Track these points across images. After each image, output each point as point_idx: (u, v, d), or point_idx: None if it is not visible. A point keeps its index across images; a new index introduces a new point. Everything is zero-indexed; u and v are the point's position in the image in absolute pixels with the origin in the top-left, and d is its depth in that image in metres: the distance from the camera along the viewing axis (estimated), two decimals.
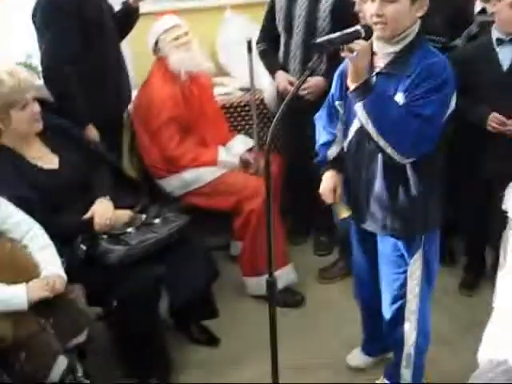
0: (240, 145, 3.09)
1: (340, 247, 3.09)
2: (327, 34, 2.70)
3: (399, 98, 1.78)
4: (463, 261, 3.04)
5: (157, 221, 2.39)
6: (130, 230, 2.31)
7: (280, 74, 2.97)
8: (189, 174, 2.90)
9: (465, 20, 2.71)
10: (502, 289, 1.97)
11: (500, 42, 2.47)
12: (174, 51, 2.85)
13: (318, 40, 1.61)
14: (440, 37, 2.63)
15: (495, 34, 2.49)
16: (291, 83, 2.89)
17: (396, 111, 1.74)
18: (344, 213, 2.05)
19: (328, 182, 2.04)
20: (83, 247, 2.21)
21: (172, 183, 2.95)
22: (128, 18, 2.91)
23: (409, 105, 1.74)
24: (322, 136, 2.09)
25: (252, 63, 2.89)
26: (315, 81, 2.83)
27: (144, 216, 2.41)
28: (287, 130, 2.98)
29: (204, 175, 2.91)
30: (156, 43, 2.89)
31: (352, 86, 1.75)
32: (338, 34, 1.65)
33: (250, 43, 2.85)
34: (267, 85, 3.23)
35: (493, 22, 2.53)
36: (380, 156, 1.85)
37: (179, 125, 2.89)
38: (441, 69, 1.76)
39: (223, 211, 2.92)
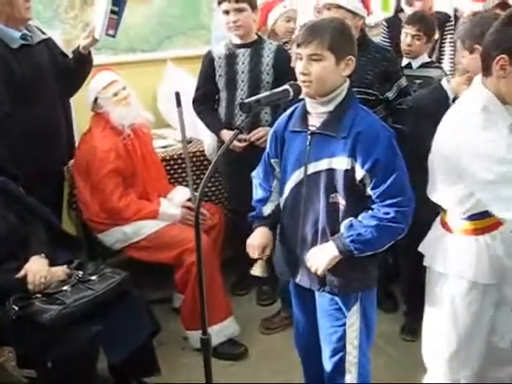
0: (180, 195, 3.10)
1: (281, 297, 3.10)
2: (270, 86, 2.87)
3: (343, 163, 1.83)
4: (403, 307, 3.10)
5: (94, 277, 2.35)
6: (65, 288, 2.26)
7: (225, 133, 3.00)
8: (129, 227, 2.88)
9: (394, 74, 2.85)
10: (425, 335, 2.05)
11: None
12: (114, 107, 2.87)
13: (246, 100, 1.66)
14: (373, 90, 2.75)
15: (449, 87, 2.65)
16: (239, 140, 2.91)
17: (375, 227, 1.82)
18: (259, 271, 2.08)
19: (258, 237, 2.05)
20: (15, 307, 2.14)
21: (112, 237, 2.91)
22: (80, 65, 2.90)
23: (379, 199, 1.83)
24: (257, 192, 2.12)
25: (182, 116, 2.92)
26: (264, 131, 2.89)
27: (81, 273, 2.37)
28: (229, 182, 3.01)
29: (144, 228, 2.89)
30: (95, 100, 2.90)
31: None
32: (266, 93, 1.71)
33: (178, 96, 2.88)
34: (207, 136, 3.27)
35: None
36: (317, 214, 1.91)
37: (121, 177, 2.88)
38: (384, 135, 1.83)
39: (165, 264, 2.90)
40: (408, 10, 3.78)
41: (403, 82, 2.87)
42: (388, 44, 3.65)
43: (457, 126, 1.80)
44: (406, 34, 3.15)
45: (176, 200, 3.06)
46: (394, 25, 3.73)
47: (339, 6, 2.70)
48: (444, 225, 1.97)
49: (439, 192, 1.89)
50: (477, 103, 1.76)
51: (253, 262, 2.10)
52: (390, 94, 2.82)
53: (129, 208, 2.86)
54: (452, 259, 1.91)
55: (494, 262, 1.87)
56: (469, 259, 1.88)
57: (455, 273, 1.90)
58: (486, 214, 1.82)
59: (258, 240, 2.04)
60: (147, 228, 2.88)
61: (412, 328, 2.95)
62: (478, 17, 2.51)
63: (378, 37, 3.76)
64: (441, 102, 2.57)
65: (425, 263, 2.03)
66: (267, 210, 2.09)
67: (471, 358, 1.96)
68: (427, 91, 2.80)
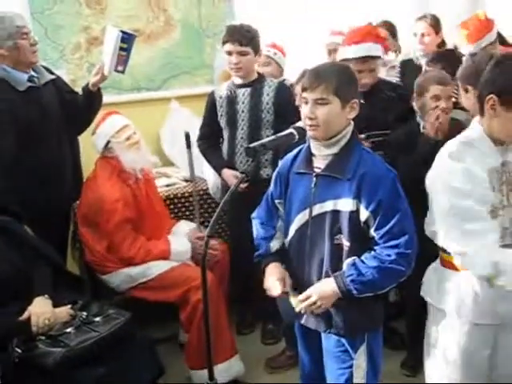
0: (186, 226, 3.11)
1: (285, 336, 3.07)
2: (271, 125, 2.91)
3: (348, 204, 1.84)
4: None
5: (98, 319, 2.33)
6: (69, 330, 2.24)
7: (226, 171, 3.02)
8: (136, 269, 2.86)
9: (408, 115, 2.86)
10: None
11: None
12: (126, 152, 2.88)
13: (252, 144, 1.68)
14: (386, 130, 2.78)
15: (422, 123, 2.68)
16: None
17: (376, 269, 1.82)
18: (294, 303, 1.99)
19: (273, 273, 2.01)
20: (18, 350, 2.12)
21: (117, 279, 2.89)
22: (90, 102, 2.93)
23: (382, 240, 1.83)
24: (261, 231, 2.11)
25: (191, 157, 2.94)
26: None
27: (85, 314, 2.36)
28: (234, 220, 3.02)
29: (151, 269, 2.87)
30: (105, 144, 2.90)
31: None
32: (271, 137, 1.73)
33: (188, 137, 2.92)
34: (211, 175, 3.29)
35: None
36: (322, 255, 1.91)
37: (130, 224, 2.87)
38: (388, 176, 1.85)
39: (170, 303, 2.88)
40: (419, 48, 3.75)
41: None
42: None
43: (436, 158, 1.86)
44: None
45: (181, 230, 3.06)
46: (407, 67, 3.71)
47: (376, 57, 2.79)
48: (442, 260, 1.97)
49: (434, 229, 1.90)
50: (461, 135, 1.83)
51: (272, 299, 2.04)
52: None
53: (139, 253, 2.85)
54: (445, 294, 1.92)
55: (482, 301, 1.86)
56: (468, 298, 1.87)
57: (454, 311, 1.90)
58: None
59: (275, 276, 1.99)
60: (154, 269, 2.87)
61: (412, 363, 2.92)
62: (471, 57, 2.57)
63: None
64: (412, 135, 2.65)
65: (422, 294, 2.04)
66: (274, 246, 2.08)
67: None
68: (403, 127, 2.83)
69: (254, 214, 2.17)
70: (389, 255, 1.82)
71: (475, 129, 1.84)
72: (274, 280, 1.97)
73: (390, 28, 3.86)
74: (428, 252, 1.98)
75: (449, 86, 2.64)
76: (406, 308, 3.05)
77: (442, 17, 3.82)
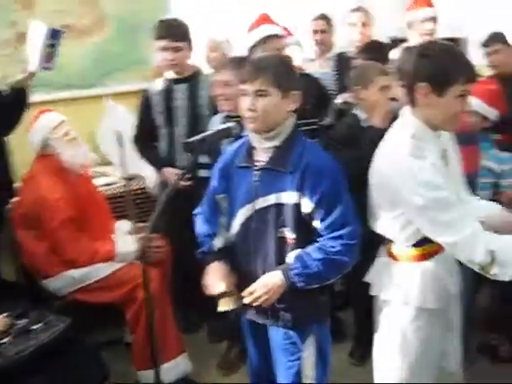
0: (125, 226, 3.03)
1: (231, 334, 3.04)
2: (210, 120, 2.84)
3: (292, 197, 1.83)
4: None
5: (37, 326, 2.25)
6: (5, 340, 2.15)
7: (166, 170, 2.97)
8: (78, 272, 2.76)
9: (326, 100, 2.95)
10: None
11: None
12: (66, 147, 2.78)
13: (189, 140, 1.65)
14: (312, 119, 2.78)
15: (362, 115, 2.72)
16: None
17: (321, 261, 1.82)
18: (228, 305, 1.98)
19: (215, 271, 1.99)
20: None
21: (58, 282, 2.78)
22: (17, 101, 2.77)
23: (326, 232, 1.83)
24: (205, 228, 2.08)
25: (124, 156, 2.82)
26: None
27: (23, 322, 2.26)
28: (174, 217, 2.96)
29: (96, 271, 2.77)
30: (42, 142, 2.79)
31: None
32: (209, 132, 1.70)
33: (120, 136, 2.78)
34: (149, 173, 3.23)
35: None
36: (267, 249, 1.90)
37: (73, 225, 2.76)
38: (331, 167, 1.85)
39: (114, 303, 2.80)
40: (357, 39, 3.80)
41: (337, 105, 2.99)
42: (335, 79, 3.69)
43: (388, 153, 1.86)
44: None
45: (122, 230, 2.99)
46: (343, 59, 3.76)
47: (279, 36, 2.81)
48: (389, 253, 1.99)
49: (381, 222, 1.92)
50: (406, 131, 1.82)
51: (217, 298, 2.00)
52: (328, 120, 2.89)
53: (84, 255, 2.75)
54: (397, 286, 1.93)
55: (439, 287, 1.90)
56: (414, 285, 1.90)
57: (401, 300, 1.93)
58: (429, 239, 1.85)
59: (216, 274, 1.97)
60: (99, 270, 2.77)
61: (360, 353, 2.96)
62: (405, 50, 2.64)
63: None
64: (353, 127, 2.69)
65: (371, 293, 2.05)
66: (218, 244, 2.05)
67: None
68: (343, 120, 2.89)
69: (196, 211, 2.13)
70: (333, 247, 1.83)
71: (410, 120, 1.85)
72: (214, 278, 1.96)
73: (328, 21, 3.89)
74: (372, 242, 2.00)
75: (391, 75, 2.69)
76: (352, 298, 3.10)
77: (374, 9, 3.90)
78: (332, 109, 3.03)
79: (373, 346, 2.07)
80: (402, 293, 1.92)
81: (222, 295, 1.97)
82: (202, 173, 2.73)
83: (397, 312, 1.95)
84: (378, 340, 2.05)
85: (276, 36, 2.89)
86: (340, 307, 3.29)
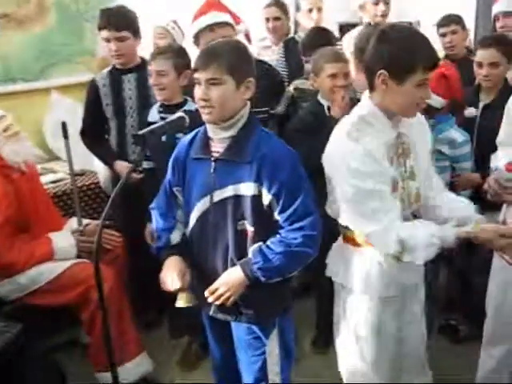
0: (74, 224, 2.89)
1: (191, 329, 2.98)
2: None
3: (250, 188, 1.78)
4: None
5: None
6: None
7: (119, 163, 2.87)
8: (24, 277, 2.61)
9: (278, 86, 2.90)
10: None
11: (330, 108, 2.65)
12: (5, 143, 2.61)
13: (140, 132, 1.57)
14: (264, 108, 2.74)
15: (325, 103, 2.68)
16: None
17: (283, 253, 1.79)
18: (184, 302, 1.96)
19: (172, 266, 1.94)
20: None
21: (3, 289, 2.62)
22: None
23: (286, 223, 1.79)
24: (161, 222, 2.02)
25: (69, 149, 2.71)
26: None
27: None
28: (127, 211, 2.87)
29: (43, 274, 2.63)
30: None
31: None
32: (161, 123, 1.63)
33: (64, 127, 2.66)
34: (101, 167, 3.12)
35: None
36: (226, 242, 1.85)
37: (14, 226, 2.62)
38: (289, 157, 1.80)
39: (68, 305, 2.69)
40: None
41: (290, 92, 2.90)
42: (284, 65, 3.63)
43: (333, 135, 1.84)
44: None
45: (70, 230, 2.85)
46: (289, 45, 3.68)
47: (226, 23, 2.70)
48: (344, 238, 1.98)
49: (335, 207, 1.90)
50: (355, 114, 1.81)
51: (173, 294, 1.97)
52: (279, 108, 2.82)
53: (20, 257, 2.59)
54: (350, 272, 1.93)
55: (387, 274, 1.89)
56: (363, 272, 1.89)
57: (356, 286, 1.92)
58: None
59: (173, 270, 1.92)
60: (47, 273, 2.63)
61: (323, 341, 2.96)
62: (358, 32, 2.61)
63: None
64: (317, 116, 2.64)
65: (327, 274, 2.05)
66: (175, 238, 2.00)
67: (383, 369, 1.99)
68: (305, 108, 2.83)
69: (152, 205, 2.06)
70: (295, 238, 1.79)
71: (367, 104, 1.82)
72: (171, 274, 1.90)
73: (282, 7, 3.83)
74: (332, 230, 1.98)
75: (343, 62, 2.64)
76: (313, 284, 3.08)
77: None
78: (285, 97, 2.97)
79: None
80: (361, 280, 1.91)
81: (180, 291, 1.93)
82: (146, 164, 2.66)
83: (356, 299, 1.94)
84: (339, 328, 2.03)
85: (225, 23, 2.78)
86: (300, 295, 3.27)
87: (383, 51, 1.71)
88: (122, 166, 2.86)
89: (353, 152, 1.72)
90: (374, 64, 1.74)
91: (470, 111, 2.78)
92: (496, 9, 3.02)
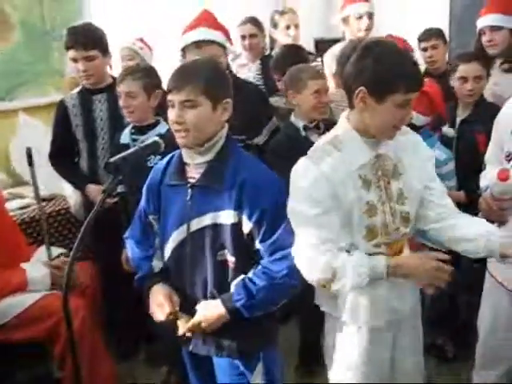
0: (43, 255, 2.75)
1: (170, 358, 2.85)
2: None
3: (230, 216, 1.68)
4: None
5: None
6: None
7: (90, 187, 2.75)
8: None
9: (265, 116, 2.70)
10: None
11: (307, 128, 2.55)
12: None
13: (111, 159, 1.46)
14: (241, 136, 2.56)
15: (300, 123, 2.56)
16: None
17: (267, 287, 1.69)
18: (186, 324, 1.78)
19: (159, 295, 1.81)
20: None
21: None
22: None
23: (268, 253, 1.70)
24: (138, 252, 1.91)
25: (35, 176, 2.58)
26: None
27: None
28: (101, 240, 2.74)
29: (11, 307, 2.47)
30: None
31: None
32: (134, 148, 1.52)
33: (29, 153, 2.52)
34: (71, 192, 3.00)
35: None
36: (205, 274, 1.75)
37: None
38: (270, 182, 1.71)
39: (38, 340, 2.53)
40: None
41: (274, 123, 2.73)
42: (261, 83, 3.53)
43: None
44: None
45: (43, 256, 2.71)
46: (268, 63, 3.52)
47: (213, 42, 2.55)
48: None
49: None
50: (329, 134, 1.72)
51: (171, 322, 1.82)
52: (260, 140, 2.67)
53: None
54: (342, 302, 1.81)
55: (382, 302, 1.79)
56: (350, 300, 1.79)
57: (341, 315, 1.82)
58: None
59: (160, 296, 1.79)
60: (15, 306, 2.48)
61: (306, 368, 2.87)
62: (341, 48, 2.53)
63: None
64: (294, 139, 2.53)
65: (316, 302, 1.94)
66: (157, 265, 1.89)
67: None
68: (281, 132, 2.70)
69: (126, 234, 1.95)
70: (279, 270, 1.69)
71: (342, 124, 1.72)
72: (159, 303, 1.79)
73: (258, 24, 3.76)
74: None
75: (324, 79, 2.57)
76: (296, 312, 2.97)
77: (299, 9, 3.82)
78: (268, 127, 2.76)
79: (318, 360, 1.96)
80: (350, 309, 1.80)
81: (173, 316, 1.79)
82: (119, 188, 2.52)
83: (347, 329, 1.84)
84: (330, 359, 1.93)
85: (212, 42, 2.59)
86: (283, 320, 3.16)
87: (364, 67, 1.61)
88: (93, 190, 2.73)
89: (308, 174, 1.63)
90: (354, 80, 1.63)
91: (448, 131, 2.74)
92: (482, 23, 2.95)
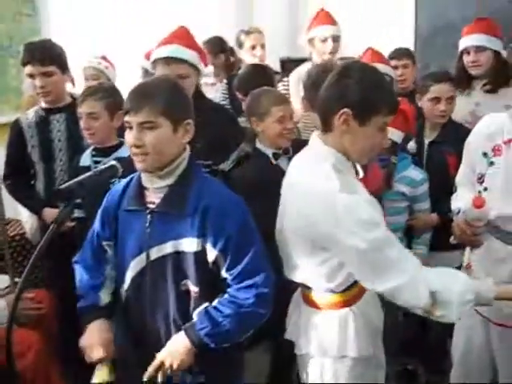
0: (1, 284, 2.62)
1: None
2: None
3: (193, 244, 1.58)
4: None
5: None
6: None
7: (47, 211, 2.61)
8: None
9: (232, 140, 2.53)
10: None
11: (277, 155, 2.40)
12: None
13: (63, 186, 1.35)
14: (207, 161, 2.39)
15: (269, 151, 2.40)
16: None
17: (234, 316, 1.59)
18: (103, 376, 1.69)
19: (97, 332, 1.69)
20: None
21: None
22: None
23: (235, 281, 1.60)
24: (86, 278, 1.78)
25: None
26: None
27: None
28: (57, 266, 2.59)
29: None
30: None
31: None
32: (88, 174, 1.42)
33: None
34: (27, 216, 2.87)
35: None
36: (167, 305, 1.64)
37: None
38: (236, 207, 1.62)
39: None
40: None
41: (245, 148, 2.48)
42: (228, 103, 3.45)
43: (308, 191, 1.61)
44: None
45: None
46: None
47: (183, 61, 2.42)
48: (304, 299, 1.78)
49: (301, 270, 1.70)
50: (324, 163, 1.60)
51: (92, 365, 1.72)
52: (225, 166, 2.46)
53: None
54: (318, 337, 1.73)
55: (362, 332, 1.71)
56: (347, 335, 1.70)
57: (319, 350, 1.73)
58: (354, 283, 1.67)
59: (98, 336, 1.68)
60: None
61: None
62: (308, 69, 2.47)
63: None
64: (263, 169, 2.38)
65: (287, 336, 1.84)
66: (105, 298, 1.77)
67: None
68: (250, 161, 2.48)
69: (76, 258, 1.83)
70: (247, 298, 1.59)
71: (325, 150, 1.62)
72: (95, 342, 1.67)
73: (221, 43, 3.69)
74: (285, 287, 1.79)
75: (288, 103, 2.45)
76: (265, 338, 2.86)
77: (265, 28, 3.77)
78: (236, 154, 2.50)
79: None
80: (325, 344, 1.71)
81: (101, 362, 1.68)
82: (77, 213, 2.42)
83: (324, 364, 1.74)
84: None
85: (183, 61, 2.43)
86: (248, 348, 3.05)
87: (346, 88, 1.55)
88: (50, 214, 2.60)
89: (358, 205, 1.53)
90: (334, 102, 1.57)
91: (411, 146, 2.72)
92: (466, 43, 2.92)
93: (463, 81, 2.92)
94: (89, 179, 1.40)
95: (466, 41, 2.93)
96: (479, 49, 2.88)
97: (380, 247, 1.53)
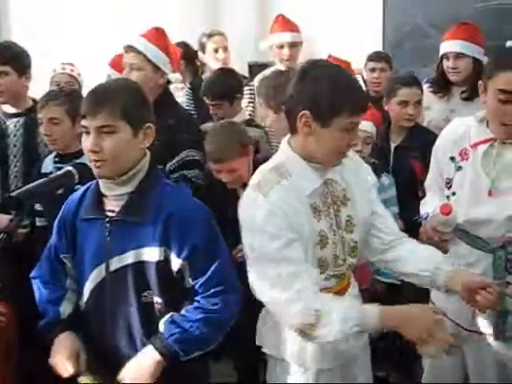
0: None
1: None
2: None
3: (155, 253, 1.53)
4: None
5: None
6: None
7: (1, 217, 2.51)
8: None
9: (180, 144, 2.44)
10: None
11: None
12: None
13: (14, 193, 1.27)
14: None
15: None
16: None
17: (202, 321, 1.55)
18: (90, 380, 1.62)
19: (63, 346, 1.61)
20: None
21: None
22: None
23: (202, 290, 1.56)
24: (45, 293, 1.71)
25: None
26: None
27: None
28: (14, 276, 2.49)
29: None
30: None
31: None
32: (41, 180, 1.34)
33: None
34: None
35: None
36: (129, 318, 1.58)
37: None
38: (201, 214, 1.58)
39: None
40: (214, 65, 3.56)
41: (191, 154, 2.42)
42: (193, 108, 3.40)
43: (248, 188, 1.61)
44: None
45: None
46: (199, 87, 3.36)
47: (139, 52, 2.39)
48: None
49: None
50: (272, 161, 1.60)
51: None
52: (169, 166, 2.41)
53: None
54: (287, 344, 1.69)
55: (326, 346, 1.65)
56: (297, 342, 1.66)
57: (293, 359, 1.69)
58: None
59: (63, 352, 1.60)
60: None
61: None
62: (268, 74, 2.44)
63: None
64: (211, 186, 2.37)
65: (258, 342, 1.81)
66: (66, 310, 1.69)
67: None
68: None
69: (33, 273, 1.75)
70: (215, 303, 1.54)
71: (285, 151, 1.61)
72: (63, 357, 1.59)
73: (187, 49, 3.62)
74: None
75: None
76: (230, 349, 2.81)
77: (230, 32, 3.74)
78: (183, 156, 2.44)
79: None
80: (296, 352, 1.68)
81: (77, 375, 1.61)
82: (38, 221, 2.38)
83: (292, 372, 1.70)
84: None
85: (138, 51, 2.40)
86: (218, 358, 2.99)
87: (305, 90, 1.51)
88: (3, 220, 2.50)
89: (260, 207, 1.50)
90: (295, 104, 1.52)
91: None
92: (447, 48, 2.88)
93: (442, 85, 2.91)
94: (40, 187, 1.32)
95: (446, 46, 2.88)
96: (459, 55, 2.84)
97: (268, 259, 1.50)
